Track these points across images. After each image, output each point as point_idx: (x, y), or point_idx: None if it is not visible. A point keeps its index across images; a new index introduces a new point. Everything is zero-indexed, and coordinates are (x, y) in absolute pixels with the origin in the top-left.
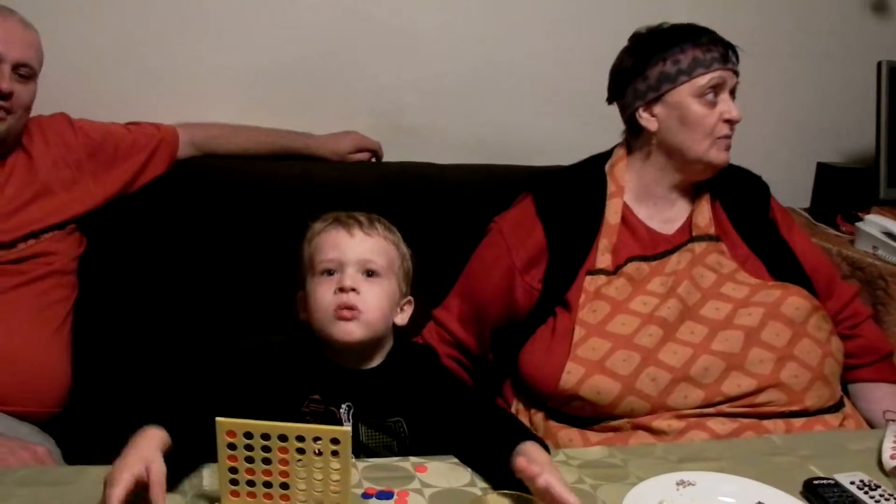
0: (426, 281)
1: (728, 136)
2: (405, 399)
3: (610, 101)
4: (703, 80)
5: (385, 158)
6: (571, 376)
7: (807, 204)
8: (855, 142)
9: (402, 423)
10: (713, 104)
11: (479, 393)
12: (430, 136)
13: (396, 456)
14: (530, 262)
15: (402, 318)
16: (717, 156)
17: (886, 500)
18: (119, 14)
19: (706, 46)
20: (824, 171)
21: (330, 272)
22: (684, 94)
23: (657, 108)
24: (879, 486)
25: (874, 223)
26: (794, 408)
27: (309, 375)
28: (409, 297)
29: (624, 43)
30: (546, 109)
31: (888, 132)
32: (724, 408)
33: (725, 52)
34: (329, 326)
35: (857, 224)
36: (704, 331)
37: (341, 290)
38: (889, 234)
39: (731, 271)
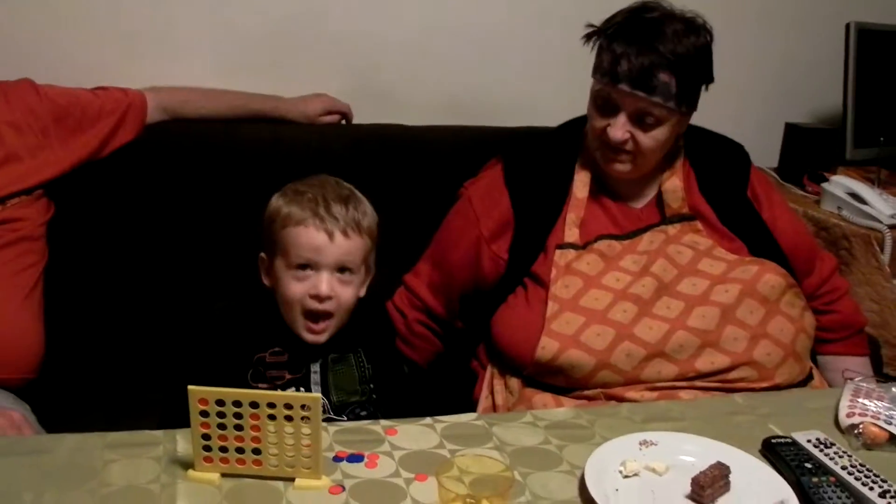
0: (397, 245)
1: (614, 151)
2: (362, 340)
3: None
4: (595, 86)
5: (356, 121)
6: (546, 351)
7: (775, 164)
8: (823, 103)
9: (361, 356)
10: (604, 114)
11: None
12: (402, 97)
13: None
14: (497, 231)
15: (362, 292)
16: (603, 163)
17: (840, 457)
18: None
19: (613, 56)
20: (792, 132)
21: (304, 266)
22: (593, 87)
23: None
24: (834, 444)
25: (839, 184)
26: (765, 384)
27: (270, 334)
28: (372, 269)
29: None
30: (521, 69)
31: (855, 93)
32: (697, 382)
33: (618, 74)
34: (297, 326)
35: (822, 185)
36: (681, 306)
37: (316, 296)
38: (853, 196)
39: (708, 248)
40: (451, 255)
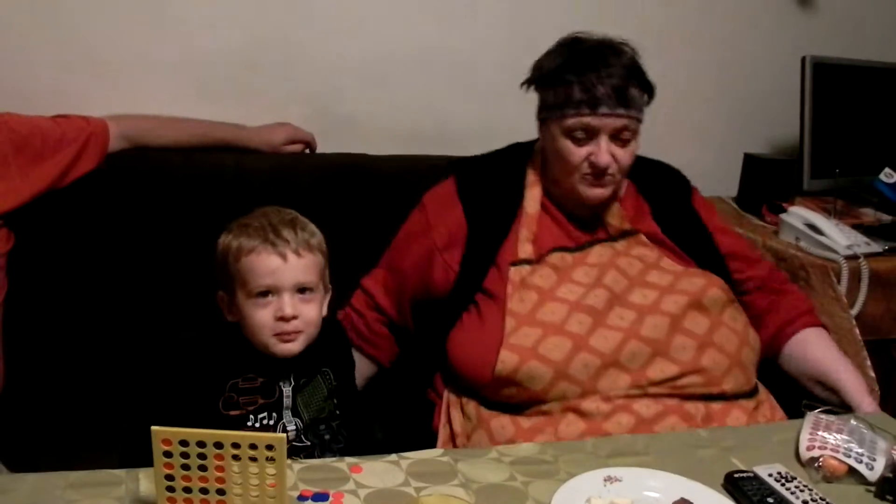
0: (361, 273)
1: (598, 176)
2: (328, 358)
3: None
4: (568, 121)
5: (320, 150)
6: (506, 364)
7: (734, 194)
8: (781, 134)
9: (329, 374)
10: (582, 143)
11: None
12: (366, 126)
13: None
14: (450, 241)
15: (324, 311)
16: (585, 191)
17: (801, 490)
18: (45, 1)
19: (584, 85)
20: (751, 162)
21: (264, 294)
22: (555, 128)
23: (542, 129)
24: (795, 478)
25: (797, 215)
26: (713, 390)
27: (242, 360)
28: (329, 287)
29: (566, 31)
30: (486, 99)
31: (812, 125)
32: (650, 389)
33: (597, 98)
34: (269, 346)
35: (781, 215)
36: (633, 315)
37: (282, 318)
38: (811, 226)
39: (656, 259)
40: (404, 261)
